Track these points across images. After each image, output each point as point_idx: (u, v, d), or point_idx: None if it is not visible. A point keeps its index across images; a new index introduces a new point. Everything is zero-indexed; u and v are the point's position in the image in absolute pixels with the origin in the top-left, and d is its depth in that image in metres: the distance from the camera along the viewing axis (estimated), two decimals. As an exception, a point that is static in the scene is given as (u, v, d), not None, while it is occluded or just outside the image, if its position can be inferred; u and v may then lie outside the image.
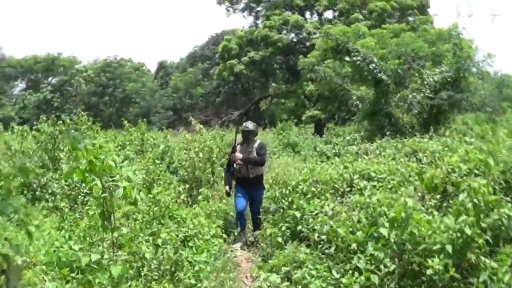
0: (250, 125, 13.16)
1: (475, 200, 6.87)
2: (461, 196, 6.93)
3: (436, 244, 6.57)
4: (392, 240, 6.90)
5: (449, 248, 6.36)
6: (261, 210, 12.79)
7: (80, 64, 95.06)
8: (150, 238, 8.35)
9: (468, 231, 6.34)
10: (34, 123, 19.09)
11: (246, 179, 12.89)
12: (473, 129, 21.94)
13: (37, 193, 13.91)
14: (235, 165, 12.86)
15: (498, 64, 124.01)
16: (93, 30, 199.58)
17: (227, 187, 13.09)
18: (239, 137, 13.47)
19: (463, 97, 24.23)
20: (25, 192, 13.90)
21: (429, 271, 6.32)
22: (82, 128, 21.15)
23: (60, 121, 18.65)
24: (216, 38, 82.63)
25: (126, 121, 25.38)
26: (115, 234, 6.09)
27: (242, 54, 55.07)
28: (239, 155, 12.77)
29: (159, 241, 8.01)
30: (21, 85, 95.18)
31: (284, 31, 54.75)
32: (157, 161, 17.86)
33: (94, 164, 5.60)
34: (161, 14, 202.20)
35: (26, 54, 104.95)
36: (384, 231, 7.07)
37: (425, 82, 24.84)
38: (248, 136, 12.98)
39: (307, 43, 52.30)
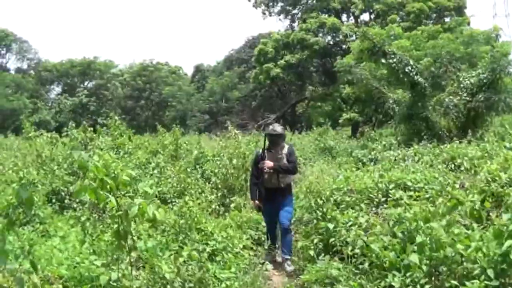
0: (278, 128, 11.32)
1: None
2: (505, 217, 6.45)
3: (476, 268, 6.14)
4: (424, 267, 6.50)
5: (490, 273, 5.94)
6: (292, 221, 11.49)
7: (116, 68, 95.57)
8: (171, 257, 8.01)
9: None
10: (68, 127, 18.99)
11: (276, 189, 11.04)
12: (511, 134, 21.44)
13: (66, 201, 13.68)
14: (264, 171, 10.94)
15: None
16: (130, 34, 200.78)
17: (256, 201, 11.15)
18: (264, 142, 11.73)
19: (500, 99, 23.60)
20: (53, 200, 13.70)
21: (468, 293, 5.91)
22: (115, 133, 21.05)
23: (91, 128, 18.54)
24: (252, 41, 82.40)
25: (159, 126, 25.22)
26: (133, 254, 5.76)
27: (278, 57, 54.98)
28: (269, 163, 10.85)
29: (181, 259, 7.66)
30: (57, 89, 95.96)
31: (320, 34, 54.60)
32: (189, 169, 17.54)
33: (106, 182, 5.27)
34: (198, 18, 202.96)
35: (62, 58, 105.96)
36: (415, 258, 6.66)
37: (461, 85, 24.37)
38: (276, 141, 11.11)
39: (344, 46, 52.00)
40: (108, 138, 20.49)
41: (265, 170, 10.98)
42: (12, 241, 6.52)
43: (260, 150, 11.41)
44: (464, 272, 6.32)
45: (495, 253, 6.09)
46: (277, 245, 11.33)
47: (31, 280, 5.18)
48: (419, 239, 6.95)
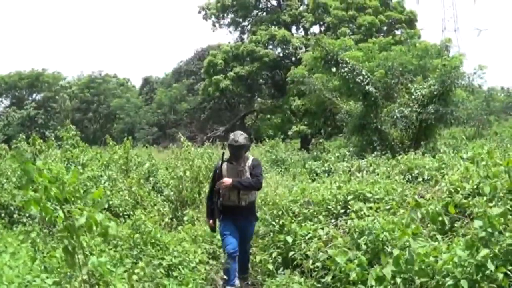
0: (240, 137, 9.82)
1: (490, 230, 6.19)
2: (476, 223, 6.24)
3: (448, 279, 5.92)
4: (398, 282, 6.27)
5: (464, 284, 5.71)
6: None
7: (64, 80, 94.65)
8: (125, 274, 7.65)
9: (491, 266, 5.68)
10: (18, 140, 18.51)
11: (236, 209, 9.75)
12: (467, 144, 21.60)
13: (15, 216, 13.22)
14: (221, 191, 9.69)
15: (485, 78, 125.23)
16: (78, 46, 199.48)
17: (211, 221, 10.05)
18: (226, 154, 10.45)
19: (448, 111, 23.79)
20: (2, 215, 13.22)
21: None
22: (67, 145, 20.59)
23: (41, 140, 18.06)
24: (201, 53, 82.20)
25: (109, 138, 24.75)
26: (83, 271, 5.38)
27: (228, 69, 54.88)
28: (228, 180, 9.55)
29: (134, 277, 7.29)
30: (5, 101, 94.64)
31: (271, 46, 54.65)
32: (142, 181, 17.16)
33: (49, 190, 4.87)
34: (146, 30, 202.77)
35: (10, 71, 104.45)
36: (387, 272, 6.42)
37: (413, 96, 24.55)
38: (239, 153, 9.80)
39: (293, 58, 52.08)
40: (57, 151, 19.94)
41: (222, 187, 9.61)
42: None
43: (220, 164, 9.89)
44: (436, 285, 6.11)
45: (469, 263, 5.89)
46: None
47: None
48: (394, 251, 6.72)
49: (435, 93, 24.02)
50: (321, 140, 36.67)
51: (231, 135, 10.05)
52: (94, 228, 5.09)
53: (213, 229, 10.28)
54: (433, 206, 7.44)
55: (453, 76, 24.04)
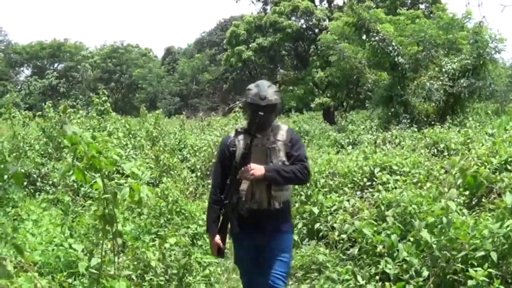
0: (269, 90, 5.54)
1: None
2: (509, 198, 6.22)
3: (479, 251, 5.91)
4: (434, 247, 6.25)
5: (494, 256, 5.71)
6: None
7: (86, 50, 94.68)
8: (156, 242, 7.71)
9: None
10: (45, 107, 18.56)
11: (264, 215, 5.72)
12: (491, 119, 21.45)
13: (38, 184, 13.31)
14: (242, 187, 5.63)
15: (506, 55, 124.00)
16: (100, 16, 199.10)
17: (216, 238, 5.81)
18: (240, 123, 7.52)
19: (484, 84, 23.60)
20: (25, 183, 13.30)
21: (471, 282, 5.65)
22: (99, 108, 20.78)
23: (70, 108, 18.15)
24: (224, 24, 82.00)
25: (143, 108, 25.28)
26: (119, 240, 5.42)
27: (250, 40, 54.58)
28: (258, 168, 5.46)
29: (166, 245, 7.35)
30: (26, 71, 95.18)
31: (293, 18, 54.11)
32: (168, 149, 17.19)
33: (97, 161, 4.89)
34: (170, 0, 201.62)
35: (31, 40, 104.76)
36: (426, 235, 6.42)
37: (443, 70, 24.33)
38: (268, 118, 5.55)
39: (317, 30, 51.64)
40: (84, 120, 19.98)
41: (245, 179, 5.56)
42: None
43: (232, 136, 5.84)
44: (464, 259, 6.10)
45: (498, 236, 5.89)
46: None
47: (4, 267, 4.86)
48: (428, 218, 6.74)
49: (468, 67, 23.89)
50: (346, 113, 36.51)
51: (253, 88, 5.56)
52: (134, 198, 5.11)
53: (220, 252, 5.93)
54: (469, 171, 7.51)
55: (487, 50, 23.86)
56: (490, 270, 5.67)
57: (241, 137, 5.70)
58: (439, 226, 6.36)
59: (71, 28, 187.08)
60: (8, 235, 4.44)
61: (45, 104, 19.13)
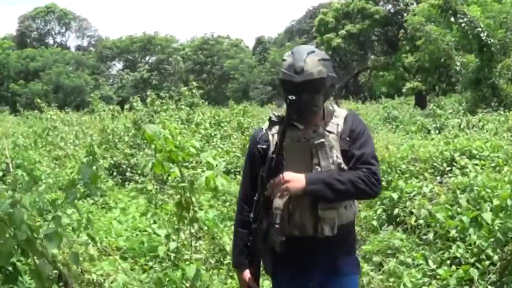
0: (309, 59, 3.67)
1: None
2: None
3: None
4: (496, 228, 6.32)
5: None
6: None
7: (177, 43, 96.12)
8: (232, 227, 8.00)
9: None
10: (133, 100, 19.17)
11: (307, 246, 3.86)
12: None
13: (127, 174, 13.84)
14: (275, 204, 3.62)
15: None
16: (190, 8, 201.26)
17: (246, 274, 4.08)
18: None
19: None
20: (114, 173, 13.86)
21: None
22: (193, 100, 21.33)
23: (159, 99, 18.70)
24: (313, 11, 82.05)
25: (232, 102, 25.87)
26: (195, 226, 5.77)
27: (339, 27, 54.58)
28: (294, 178, 3.58)
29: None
30: (118, 65, 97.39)
31: (381, 3, 53.83)
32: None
33: (175, 154, 5.26)
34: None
35: (121, 35, 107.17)
36: (487, 217, 6.49)
37: (529, 51, 23.91)
38: (308, 99, 3.70)
39: (405, 14, 51.15)
40: (173, 111, 20.50)
41: (276, 195, 3.65)
42: (70, 214, 6.57)
43: (264, 130, 4.02)
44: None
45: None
46: None
47: (88, 252, 5.22)
48: (494, 201, 6.79)
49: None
50: (438, 98, 36.14)
51: (287, 58, 3.79)
52: (210, 186, 5.43)
53: None
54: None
55: None
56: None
57: (276, 129, 3.81)
58: (505, 209, 6.42)
59: (161, 22, 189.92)
60: (90, 223, 4.77)
61: (139, 97, 19.74)
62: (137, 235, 8.26)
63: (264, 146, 3.86)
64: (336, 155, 3.71)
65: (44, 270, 3.75)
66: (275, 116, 3.74)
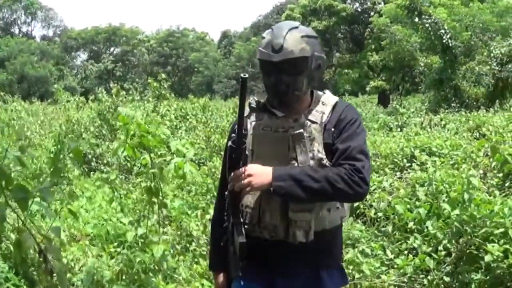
0: (289, 36, 3.20)
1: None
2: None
3: (498, 228, 6.24)
4: (453, 219, 6.58)
5: (511, 233, 6.04)
6: None
7: (142, 35, 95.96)
8: (199, 213, 8.17)
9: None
10: (96, 91, 19.27)
11: (279, 251, 3.28)
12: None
13: (92, 164, 13.97)
14: (245, 201, 3.27)
15: None
16: (156, 0, 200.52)
17: (220, 278, 3.62)
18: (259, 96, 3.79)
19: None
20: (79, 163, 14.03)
21: (487, 257, 5.99)
22: (161, 92, 21.43)
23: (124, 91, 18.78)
24: (280, 7, 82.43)
25: (191, 95, 25.86)
26: (164, 211, 5.94)
27: (306, 24, 54.64)
28: (258, 171, 3.08)
29: (208, 217, 7.80)
30: (82, 55, 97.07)
31: (348, 1, 54.24)
32: (218, 131, 17.69)
33: (146, 139, 5.41)
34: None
35: (86, 26, 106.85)
36: (446, 207, 6.76)
37: (491, 55, 24.38)
38: (289, 82, 3.21)
39: (372, 13, 51.63)
40: (138, 103, 20.59)
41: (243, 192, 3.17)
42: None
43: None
44: (486, 236, 6.39)
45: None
46: None
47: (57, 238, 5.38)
48: (451, 193, 7.03)
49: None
50: (401, 97, 36.64)
51: (266, 35, 3.35)
52: (178, 173, 5.60)
53: None
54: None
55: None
56: (506, 246, 5.99)
57: (253, 118, 3.39)
58: (460, 202, 6.68)
59: (126, 13, 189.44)
60: (72, 197, 4.90)
61: (102, 87, 19.85)
62: (103, 224, 8.43)
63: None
64: (318, 149, 3.15)
65: (25, 241, 3.86)
66: (255, 102, 3.40)
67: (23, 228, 4.03)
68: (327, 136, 3.21)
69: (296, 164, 3.15)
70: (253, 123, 3.34)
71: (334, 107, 3.34)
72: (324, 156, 3.15)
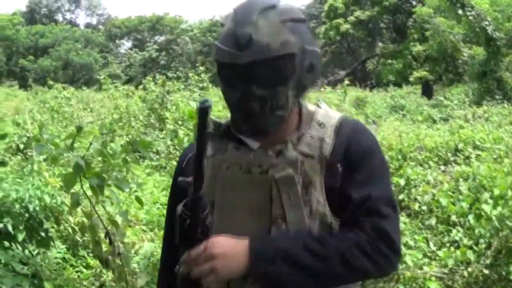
0: (263, 24, 1.92)
1: None
2: None
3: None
4: (494, 218, 6.75)
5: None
6: None
7: (185, 24, 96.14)
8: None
9: None
10: (141, 81, 19.56)
11: None
12: None
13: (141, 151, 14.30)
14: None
15: None
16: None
17: None
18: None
19: None
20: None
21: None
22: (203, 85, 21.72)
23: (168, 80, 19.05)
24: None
25: None
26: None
27: (349, 13, 54.56)
28: (224, 245, 1.93)
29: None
30: (127, 44, 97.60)
31: (392, -10, 53.91)
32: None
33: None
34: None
35: (129, 15, 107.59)
36: (486, 208, 6.93)
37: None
38: (272, 93, 1.98)
39: (414, 2, 51.26)
40: (184, 92, 20.83)
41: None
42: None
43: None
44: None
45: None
46: None
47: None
48: (494, 190, 7.16)
49: None
50: (445, 88, 36.43)
51: (226, 21, 2.05)
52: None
53: None
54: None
55: None
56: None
57: (213, 146, 2.17)
58: (503, 199, 6.84)
59: (170, 3, 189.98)
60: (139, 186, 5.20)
61: (145, 76, 20.10)
62: (157, 208, 8.75)
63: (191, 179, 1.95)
64: (317, 199, 2.04)
65: (97, 225, 4.14)
66: (213, 125, 2.14)
67: (93, 213, 4.34)
68: (331, 176, 2.06)
69: (284, 227, 2.02)
70: (212, 158, 2.13)
71: (337, 129, 2.11)
72: (328, 211, 2.04)
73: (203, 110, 1.81)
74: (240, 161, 2.08)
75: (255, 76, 1.95)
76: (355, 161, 2.06)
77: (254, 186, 2.05)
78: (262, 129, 2.04)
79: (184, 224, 1.93)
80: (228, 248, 1.92)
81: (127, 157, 4.61)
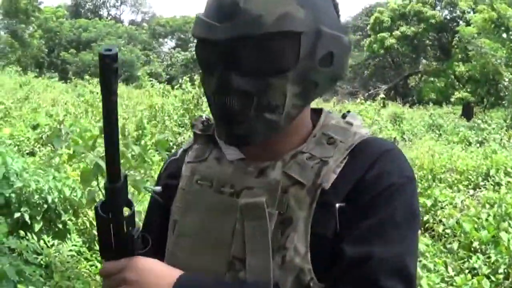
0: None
1: None
2: None
3: None
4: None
5: None
6: None
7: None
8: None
9: None
10: (180, 80, 19.58)
11: None
12: None
13: (172, 151, 14.35)
14: None
15: None
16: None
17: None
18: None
19: None
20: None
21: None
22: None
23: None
24: (369, 9, 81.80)
25: None
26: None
27: (394, 28, 54.31)
28: (144, 266, 1.42)
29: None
30: (170, 43, 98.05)
31: (438, 8, 53.56)
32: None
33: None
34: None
35: (174, 14, 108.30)
36: (504, 237, 6.84)
37: None
38: (263, 87, 1.38)
39: (460, 21, 50.90)
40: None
41: None
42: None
43: (179, 153, 1.76)
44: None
45: None
46: None
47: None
48: (506, 224, 7.09)
49: None
50: (485, 111, 36.17)
51: None
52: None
53: None
54: None
55: None
56: None
57: (195, 150, 1.71)
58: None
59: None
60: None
61: (187, 76, 20.13)
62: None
63: (174, 182, 1.69)
64: (296, 246, 1.40)
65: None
66: (201, 123, 1.78)
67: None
68: (323, 217, 1.42)
69: (241, 274, 1.46)
70: (190, 164, 1.68)
71: (354, 151, 1.47)
72: (309, 267, 1.39)
73: (106, 61, 1.27)
74: (212, 176, 1.58)
75: (236, 60, 1.39)
76: (367, 199, 1.40)
77: (221, 210, 1.52)
78: (241, 136, 1.46)
79: (104, 227, 1.42)
80: (147, 278, 1.41)
81: (145, 158, 4.56)
